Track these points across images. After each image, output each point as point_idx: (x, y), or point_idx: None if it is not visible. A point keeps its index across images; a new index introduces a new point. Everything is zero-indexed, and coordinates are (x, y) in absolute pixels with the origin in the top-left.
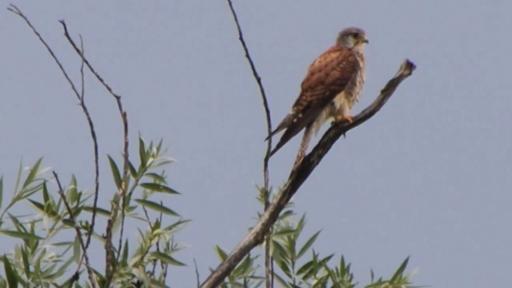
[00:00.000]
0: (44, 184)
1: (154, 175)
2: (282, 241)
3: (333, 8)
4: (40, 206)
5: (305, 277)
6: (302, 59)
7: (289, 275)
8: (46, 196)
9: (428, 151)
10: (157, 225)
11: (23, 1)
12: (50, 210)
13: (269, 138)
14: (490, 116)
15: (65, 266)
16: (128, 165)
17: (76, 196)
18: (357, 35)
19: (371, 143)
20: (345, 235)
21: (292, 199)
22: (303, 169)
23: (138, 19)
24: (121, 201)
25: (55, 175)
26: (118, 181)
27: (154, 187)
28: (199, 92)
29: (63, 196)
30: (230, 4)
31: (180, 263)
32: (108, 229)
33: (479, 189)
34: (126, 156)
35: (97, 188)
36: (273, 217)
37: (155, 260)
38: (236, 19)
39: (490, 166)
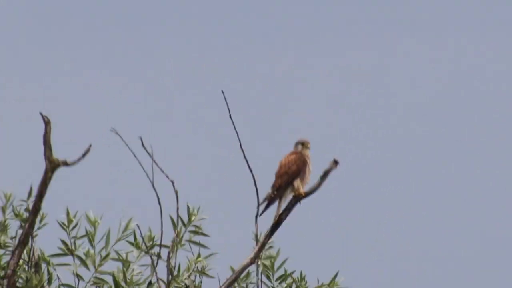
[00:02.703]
0: (134, 232)
1: (195, 226)
2: (267, 262)
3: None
4: (131, 243)
5: (280, 283)
6: (276, 157)
7: (271, 282)
8: (135, 238)
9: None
10: (199, 255)
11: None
12: (137, 246)
13: (258, 206)
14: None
15: (147, 278)
16: (179, 219)
17: (151, 238)
18: (303, 144)
19: (316, 206)
20: (303, 259)
21: (272, 239)
22: (277, 223)
23: None
24: (176, 240)
25: (138, 227)
26: (175, 229)
27: (196, 232)
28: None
29: (143, 239)
30: (234, 127)
31: (210, 276)
32: (168, 257)
33: None
34: (177, 215)
35: (161, 234)
36: (261, 249)
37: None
38: (238, 137)
39: None
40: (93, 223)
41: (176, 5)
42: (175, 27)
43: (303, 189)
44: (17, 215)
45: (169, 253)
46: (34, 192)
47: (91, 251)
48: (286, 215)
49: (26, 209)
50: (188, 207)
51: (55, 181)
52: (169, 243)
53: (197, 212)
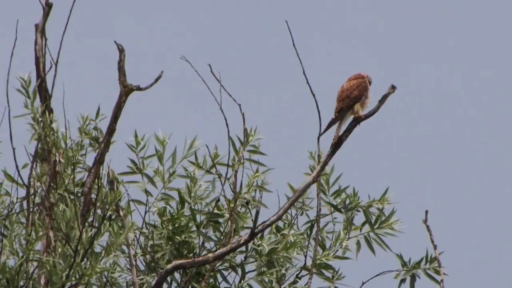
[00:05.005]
0: (195, 152)
1: (253, 145)
2: (323, 179)
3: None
4: (193, 163)
5: (335, 198)
6: (338, 82)
7: (327, 197)
8: (196, 158)
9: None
10: (257, 171)
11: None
12: (199, 166)
13: (320, 127)
14: None
15: (209, 193)
16: (239, 140)
17: (216, 156)
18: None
19: (374, 128)
20: (356, 175)
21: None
22: (338, 143)
23: None
24: (241, 159)
25: (207, 146)
26: (235, 150)
27: (254, 152)
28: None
29: (211, 157)
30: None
31: (268, 190)
32: (235, 174)
33: None
34: (244, 135)
35: (229, 153)
36: (323, 167)
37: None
38: (301, 63)
39: None
40: (162, 142)
41: None
42: None
43: (362, 112)
44: (86, 134)
45: (234, 171)
46: (101, 112)
47: (160, 168)
48: (346, 136)
49: (95, 128)
50: (245, 129)
51: (129, 104)
52: (229, 162)
53: (255, 132)
